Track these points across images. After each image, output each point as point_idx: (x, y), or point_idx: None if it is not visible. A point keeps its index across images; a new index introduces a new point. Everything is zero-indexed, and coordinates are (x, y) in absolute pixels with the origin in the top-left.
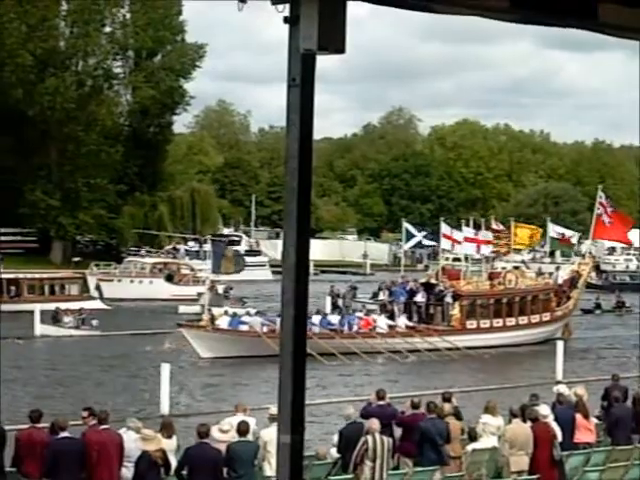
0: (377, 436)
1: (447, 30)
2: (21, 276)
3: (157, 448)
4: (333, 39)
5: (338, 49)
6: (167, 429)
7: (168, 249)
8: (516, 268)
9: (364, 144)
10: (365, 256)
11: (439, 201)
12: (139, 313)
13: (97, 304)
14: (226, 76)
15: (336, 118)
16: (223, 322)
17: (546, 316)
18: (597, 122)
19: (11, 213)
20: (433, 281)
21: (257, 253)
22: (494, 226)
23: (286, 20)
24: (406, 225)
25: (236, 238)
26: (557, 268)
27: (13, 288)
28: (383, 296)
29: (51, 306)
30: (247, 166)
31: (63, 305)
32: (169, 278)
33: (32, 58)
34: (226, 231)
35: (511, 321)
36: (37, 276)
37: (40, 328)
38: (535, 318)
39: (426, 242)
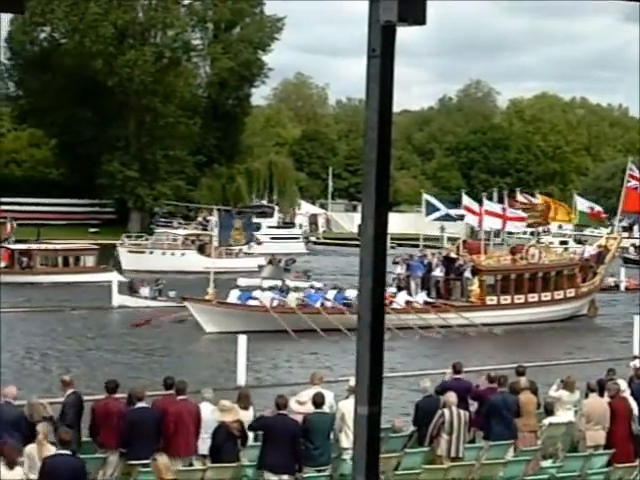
0: (454, 409)
1: (532, 4)
2: (34, 247)
3: (234, 419)
4: (413, 11)
5: (418, 21)
6: (244, 400)
7: (200, 220)
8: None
9: (442, 117)
10: (442, 230)
11: (517, 175)
12: (195, 285)
13: (114, 276)
14: (305, 48)
15: (417, 91)
16: (232, 296)
17: (571, 292)
18: None
19: (89, 184)
20: (453, 255)
21: (291, 225)
22: (520, 198)
23: None
24: (426, 197)
25: (268, 209)
26: (578, 242)
27: (25, 259)
28: (400, 270)
29: (64, 278)
30: (324, 139)
31: (76, 277)
32: (201, 250)
33: (113, 30)
34: (304, 205)
35: (533, 297)
36: (50, 247)
37: (118, 299)
38: (559, 294)
39: (453, 215)
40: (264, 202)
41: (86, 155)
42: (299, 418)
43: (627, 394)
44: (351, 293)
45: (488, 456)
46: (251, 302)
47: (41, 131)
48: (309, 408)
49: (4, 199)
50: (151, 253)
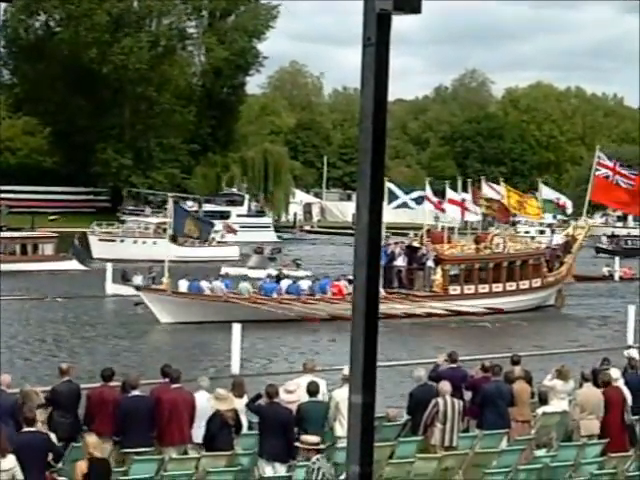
0: (448, 398)
1: None
2: None
3: (229, 408)
4: None
5: (414, 9)
6: (238, 388)
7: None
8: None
9: (437, 106)
10: (436, 219)
11: (512, 164)
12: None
13: (73, 265)
14: (300, 37)
15: (415, 80)
16: (181, 286)
17: (536, 282)
18: None
19: (83, 172)
20: (416, 244)
21: (262, 214)
22: (484, 187)
23: None
24: (389, 185)
25: (238, 198)
26: (552, 232)
27: None
28: None
29: (22, 267)
30: (319, 127)
31: (35, 266)
32: (174, 239)
33: (108, 17)
34: (298, 193)
35: (498, 287)
36: (7, 235)
37: (111, 287)
38: (524, 284)
39: (412, 204)
40: (234, 190)
41: (81, 143)
42: (290, 407)
43: (621, 383)
44: (305, 284)
45: (482, 445)
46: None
47: (36, 119)
48: (299, 396)
49: None
50: (122, 241)
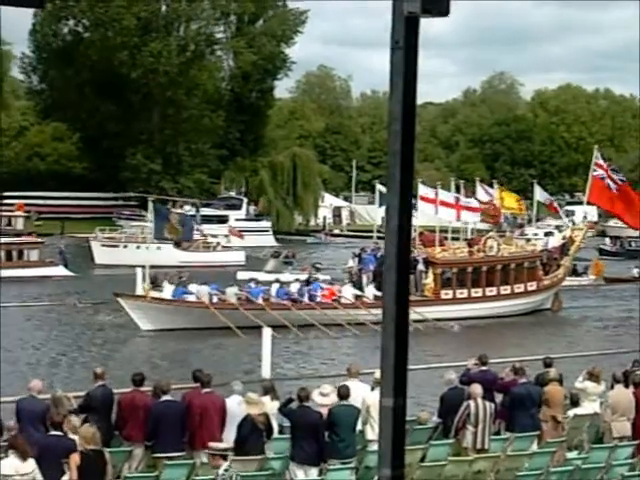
0: (479, 401)
1: None
2: None
3: (260, 412)
4: (437, 2)
5: (442, 12)
6: (270, 392)
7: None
8: (548, 234)
9: (467, 109)
10: (465, 222)
11: (541, 166)
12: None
13: (60, 271)
14: (328, 40)
15: (443, 83)
16: (167, 292)
17: (532, 285)
18: None
19: (113, 178)
20: None
21: (260, 218)
22: (479, 189)
23: None
24: (380, 187)
25: (236, 202)
26: (548, 234)
27: None
28: (352, 263)
29: (7, 273)
30: (348, 131)
31: (20, 272)
32: (178, 244)
33: (136, 21)
34: (327, 197)
35: (492, 291)
36: None
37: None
38: (519, 287)
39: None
40: (232, 194)
41: (110, 148)
42: (323, 410)
43: None
44: (294, 287)
45: (513, 448)
46: (189, 297)
47: (65, 125)
48: (332, 400)
49: (28, 193)
50: (125, 247)
